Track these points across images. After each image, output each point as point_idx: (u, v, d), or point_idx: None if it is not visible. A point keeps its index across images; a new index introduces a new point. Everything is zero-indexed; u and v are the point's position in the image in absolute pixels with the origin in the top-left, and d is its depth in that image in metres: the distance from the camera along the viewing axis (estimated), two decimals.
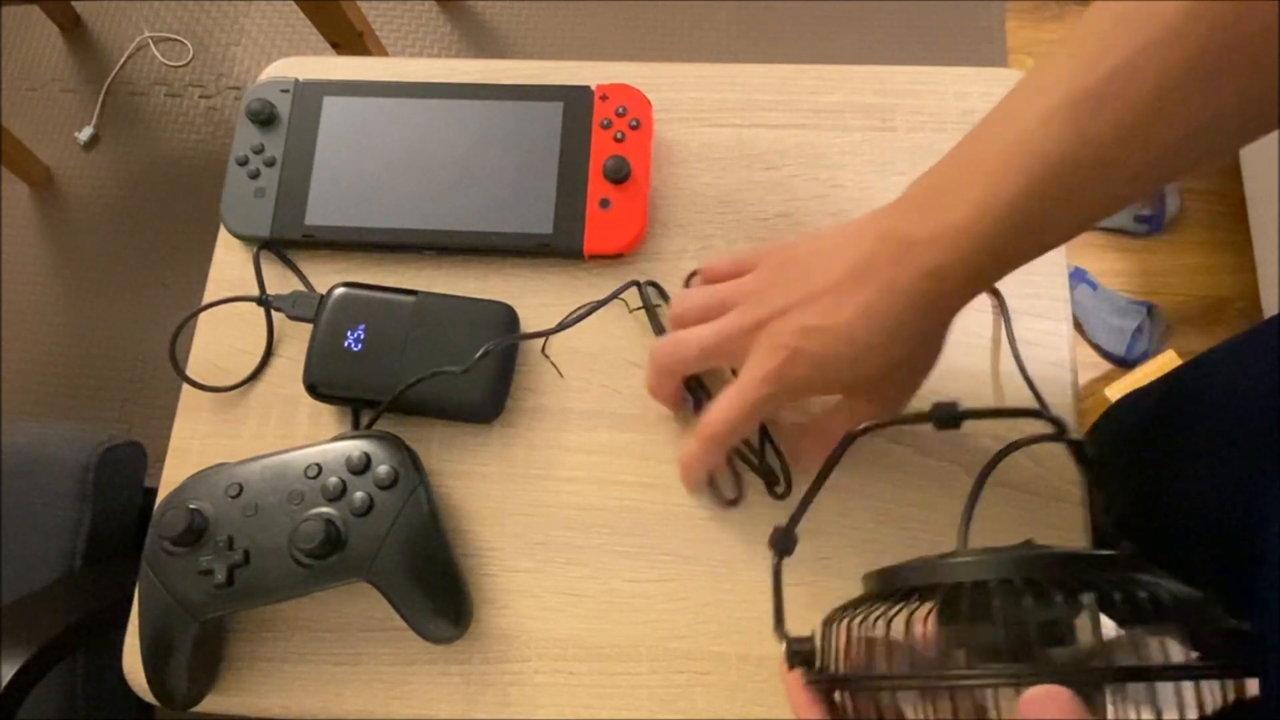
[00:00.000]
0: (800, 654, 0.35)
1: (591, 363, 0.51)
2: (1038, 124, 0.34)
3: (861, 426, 0.38)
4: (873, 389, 0.42)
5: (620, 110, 0.53)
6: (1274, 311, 1.19)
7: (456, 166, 0.54)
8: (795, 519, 0.40)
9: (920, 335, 0.39)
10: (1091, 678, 0.28)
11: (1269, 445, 0.44)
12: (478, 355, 0.47)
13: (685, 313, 0.45)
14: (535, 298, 0.52)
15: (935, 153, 0.53)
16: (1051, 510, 0.47)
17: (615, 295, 0.51)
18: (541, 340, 0.51)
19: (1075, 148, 0.33)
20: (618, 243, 0.52)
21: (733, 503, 0.48)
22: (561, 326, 0.50)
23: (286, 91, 0.56)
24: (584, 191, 0.52)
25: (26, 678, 0.59)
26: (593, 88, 0.54)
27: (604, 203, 0.52)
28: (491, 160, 0.53)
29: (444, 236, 0.53)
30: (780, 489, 0.47)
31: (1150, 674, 0.28)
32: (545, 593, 0.47)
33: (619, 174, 0.51)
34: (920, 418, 0.36)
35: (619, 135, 0.53)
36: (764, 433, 0.48)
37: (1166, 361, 1.22)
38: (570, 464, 0.49)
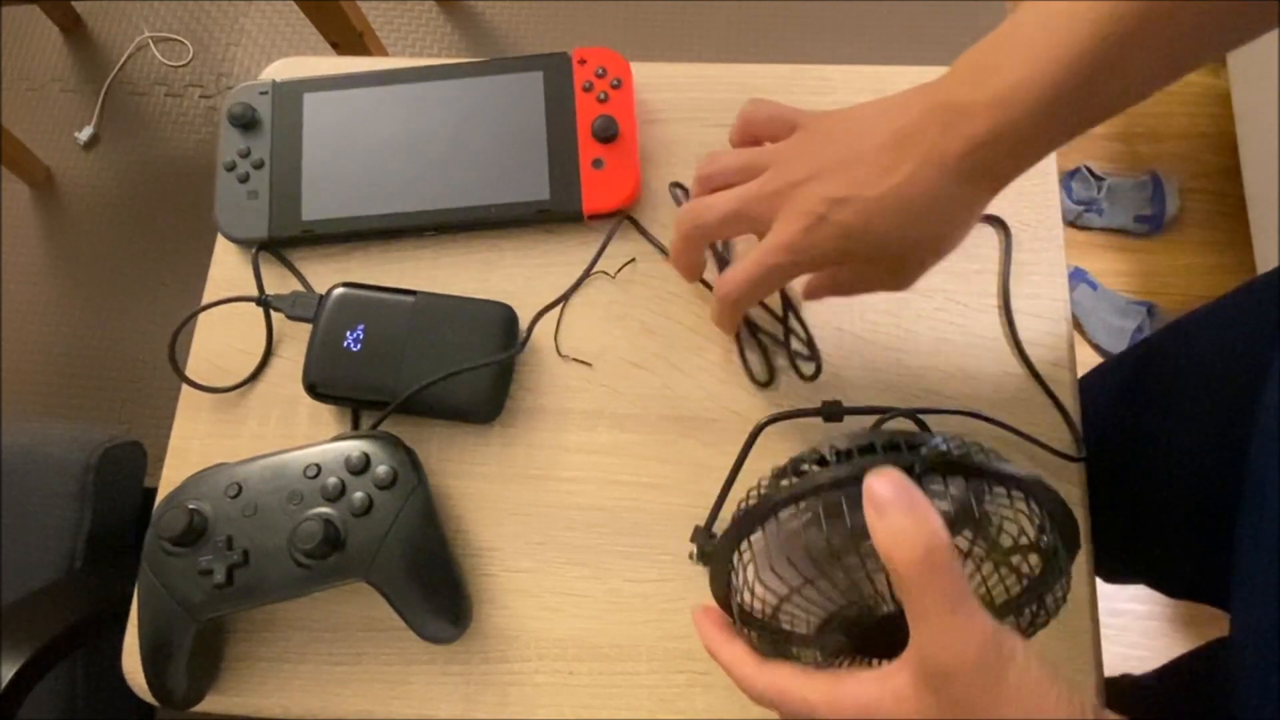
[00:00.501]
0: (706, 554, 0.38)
1: (592, 362, 0.51)
2: None
3: (768, 417, 0.38)
4: (894, 261, 0.41)
5: (600, 71, 0.54)
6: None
7: (447, 145, 0.54)
8: (713, 517, 0.41)
9: (955, 212, 0.38)
10: (909, 459, 0.32)
11: (1241, 405, 0.44)
12: (501, 357, 0.47)
13: (713, 175, 0.43)
14: (544, 267, 0.53)
15: None
16: (1051, 472, 0.46)
17: (609, 238, 0.52)
18: (553, 341, 0.51)
19: (1125, 8, 0.33)
20: (615, 199, 0.52)
21: (765, 385, 0.49)
22: (564, 297, 0.51)
23: (265, 93, 0.56)
24: (575, 154, 0.53)
25: (26, 678, 0.59)
26: (569, 53, 0.55)
27: (597, 162, 0.53)
28: (481, 135, 0.54)
29: (443, 215, 0.53)
30: (809, 372, 0.49)
31: (967, 468, 0.32)
32: (545, 593, 0.47)
33: (607, 133, 0.52)
34: (814, 411, 0.38)
35: (602, 96, 0.54)
36: (790, 306, 0.49)
37: None
38: (570, 464, 0.49)
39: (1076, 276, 1.29)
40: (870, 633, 0.34)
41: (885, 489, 0.29)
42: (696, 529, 0.40)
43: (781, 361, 0.50)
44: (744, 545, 0.36)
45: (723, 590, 0.37)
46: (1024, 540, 0.33)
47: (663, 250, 0.53)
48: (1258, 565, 0.40)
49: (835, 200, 0.38)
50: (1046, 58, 0.34)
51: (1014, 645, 0.28)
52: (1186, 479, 0.51)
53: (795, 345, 0.50)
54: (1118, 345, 1.26)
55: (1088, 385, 0.50)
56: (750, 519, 0.35)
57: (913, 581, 0.29)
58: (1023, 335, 0.50)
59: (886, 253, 0.40)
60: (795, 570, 0.33)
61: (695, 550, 0.39)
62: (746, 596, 0.36)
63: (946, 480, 0.33)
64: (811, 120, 0.43)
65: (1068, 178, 1.33)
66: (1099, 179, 1.32)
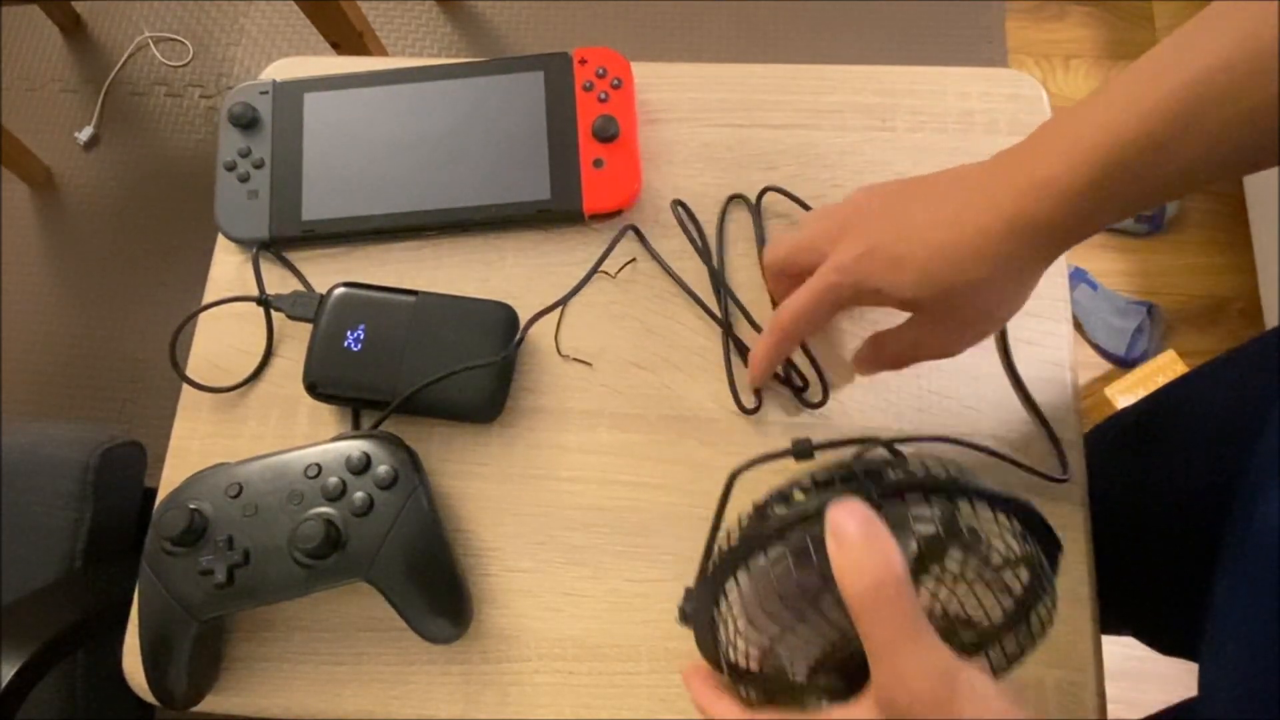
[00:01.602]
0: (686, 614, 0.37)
1: (592, 362, 0.51)
2: (1129, 99, 0.34)
3: (744, 463, 0.37)
4: (939, 311, 0.41)
5: (600, 71, 0.54)
6: (1274, 310, 1.19)
7: (448, 145, 0.54)
8: (701, 574, 0.39)
9: (1000, 260, 0.38)
10: (871, 488, 0.32)
11: (1237, 461, 0.44)
12: (495, 358, 0.47)
13: (780, 261, 0.46)
14: (545, 267, 0.53)
15: (935, 153, 0.54)
16: (1051, 511, 0.46)
17: (610, 247, 0.52)
18: (553, 340, 0.51)
19: (1157, 124, 0.34)
20: (616, 199, 0.52)
21: (752, 411, 0.49)
22: (563, 301, 0.51)
23: (265, 93, 0.56)
24: (576, 153, 0.53)
25: (27, 678, 0.59)
26: (570, 53, 0.55)
27: (597, 162, 0.53)
28: (481, 134, 0.54)
29: (444, 214, 0.53)
30: (817, 398, 0.49)
31: (943, 488, 0.32)
32: (545, 593, 0.47)
33: (607, 133, 0.53)
34: (784, 453, 0.38)
35: (602, 96, 0.54)
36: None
37: (1167, 361, 1.22)
38: (570, 464, 0.49)
39: (1076, 276, 1.29)
40: (862, 672, 0.34)
41: (846, 521, 0.30)
42: (686, 590, 0.39)
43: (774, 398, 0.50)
44: (723, 600, 0.35)
45: (711, 648, 0.37)
46: (1011, 554, 0.33)
47: (666, 267, 0.52)
48: (1228, 626, 0.40)
49: (890, 231, 0.40)
50: (1108, 130, 0.35)
51: (969, 678, 0.28)
52: (1179, 534, 0.52)
53: (796, 380, 0.49)
54: (1118, 345, 1.26)
55: (1091, 438, 0.50)
56: (722, 571, 0.34)
57: (863, 613, 0.29)
58: (1023, 336, 0.50)
59: (934, 293, 0.39)
60: (774, 618, 0.33)
61: (679, 613, 0.38)
62: (735, 651, 0.35)
63: (930, 501, 0.33)
64: (887, 182, 0.43)
65: None
66: None
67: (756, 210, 0.53)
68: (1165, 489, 0.54)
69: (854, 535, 0.29)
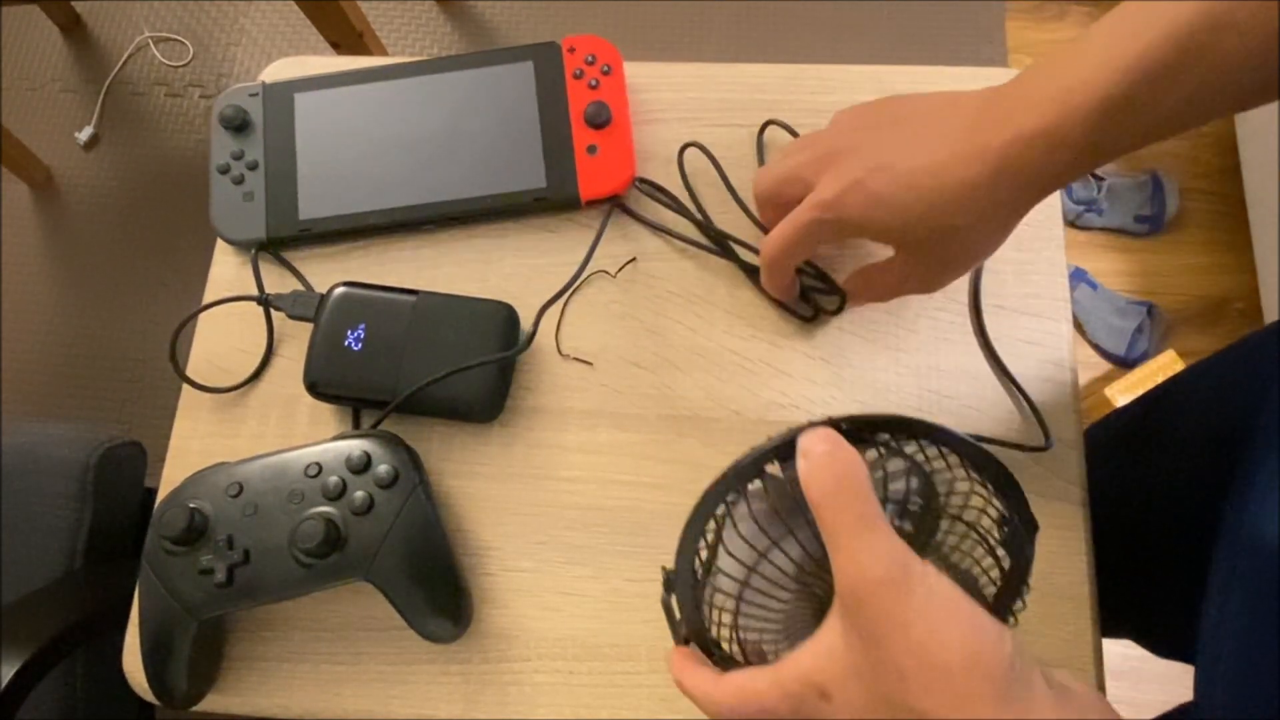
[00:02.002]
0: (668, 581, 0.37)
1: (592, 362, 0.51)
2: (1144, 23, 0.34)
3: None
4: (921, 251, 0.41)
5: (590, 59, 0.55)
6: (1274, 310, 1.19)
7: (441, 138, 0.54)
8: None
9: (987, 208, 0.38)
10: (847, 424, 0.33)
11: (1227, 456, 0.44)
12: (507, 354, 0.47)
13: (770, 190, 0.46)
14: (544, 265, 0.53)
15: None
16: (1052, 511, 0.47)
17: (603, 228, 0.53)
18: (553, 340, 0.51)
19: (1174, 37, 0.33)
20: (611, 184, 0.53)
21: (811, 319, 0.51)
22: (570, 284, 0.52)
23: (255, 95, 0.56)
24: (570, 141, 0.53)
25: (27, 678, 0.59)
26: (559, 42, 0.55)
27: (591, 149, 0.53)
28: (474, 126, 0.54)
29: (441, 208, 0.53)
30: (833, 306, 0.50)
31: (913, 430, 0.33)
32: (545, 592, 0.47)
33: (600, 119, 0.53)
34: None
35: (593, 83, 0.54)
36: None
37: (1167, 361, 1.22)
38: (570, 464, 0.49)
39: (1076, 276, 1.29)
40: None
41: (813, 440, 0.31)
42: (665, 571, 0.39)
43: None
44: (703, 551, 0.35)
45: (695, 618, 0.36)
46: (979, 505, 0.34)
47: (662, 230, 0.53)
48: (1222, 629, 0.40)
49: (873, 167, 0.40)
50: (1107, 66, 0.34)
51: (925, 569, 0.29)
52: (1174, 534, 0.52)
53: (810, 283, 0.51)
54: (1118, 345, 1.26)
55: (1089, 436, 0.50)
56: (700, 515, 0.35)
57: (825, 509, 0.30)
58: (1023, 336, 0.50)
59: (913, 234, 0.40)
60: (752, 543, 0.34)
61: (663, 589, 0.38)
62: (716, 609, 0.35)
63: (900, 445, 0.34)
64: (870, 104, 0.44)
65: None
66: (1099, 179, 1.32)
67: (759, 147, 0.55)
68: (1159, 489, 0.54)
69: (820, 447, 0.30)
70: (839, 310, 0.50)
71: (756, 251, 0.51)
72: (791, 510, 0.33)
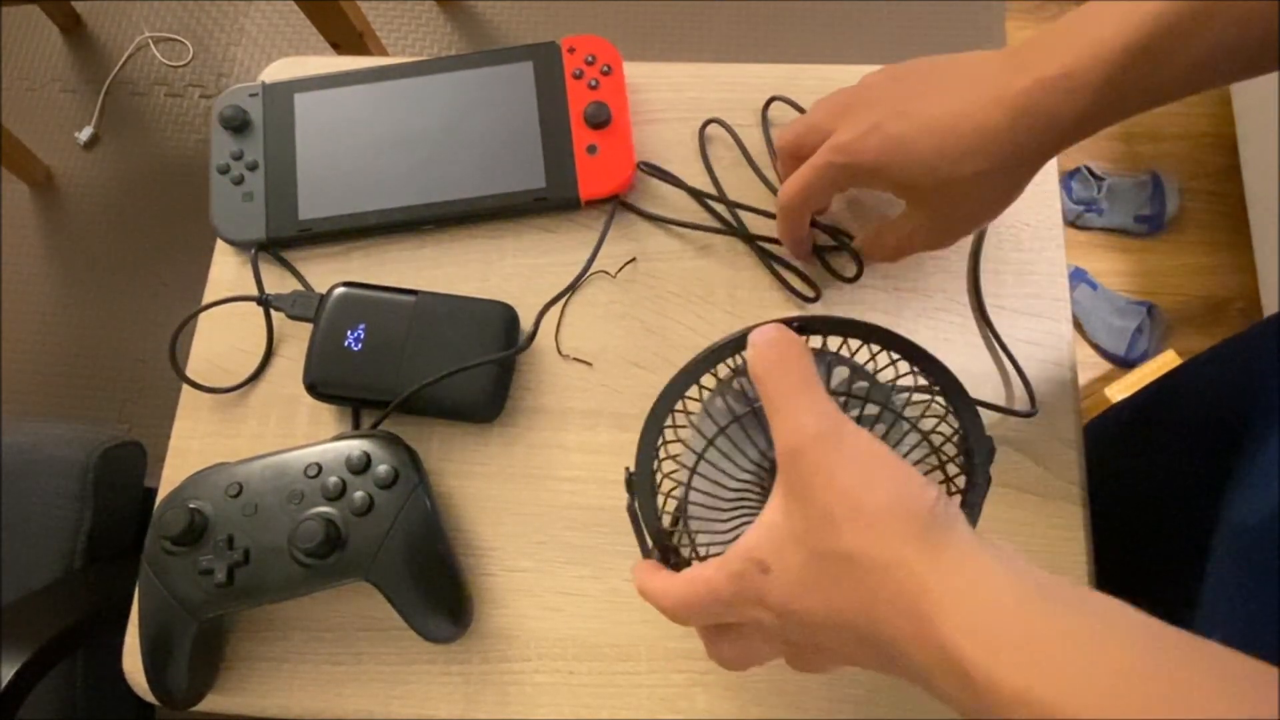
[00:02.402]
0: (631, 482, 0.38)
1: (592, 362, 0.51)
2: None
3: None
4: (932, 202, 0.42)
5: (589, 59, 0.55)
6: (1274, 310, 1.18)
7: (441, 139, 0.54)
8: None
9: (1002, 160, 0.39)
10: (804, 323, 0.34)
11: (1222, 452, 0.44)
12: (506, 354, 0.47)
13: (793, 141, 0.47)
14: (544, 265, 0.53)
15: None
16: (1053, 510, 0.47)
17: (607, 227, 0.53)
18: (553, 340, 0.51)
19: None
20: (611, 184, 0.53)
21: (813, 299, 0.51)
22: (565, 293, 0.51)
23: (255, 95, 0.56)
24: (569, 141, 0.53)
25: (26, 678, 0.59)
26: (558, 42, 0.55)
27: (591, 149, 0.53)
28: (474, 127, 0.54)
29: (440, 208, 0.53)
30: (851, 273, 0.51)
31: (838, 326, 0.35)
32: (545, 592, 0.47)
33: (599, 119, 0.53)
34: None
35: (593, 83, 0.54)
36: (816, 224, 0.51)
37: (1166, 361, 1.22)
38: (570, 464, 0.49)
39: (1076, 276, 1.29)
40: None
41: (761, 330, 0.33)
42: (628, 471, 0.39)
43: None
44: (661, 452, 0.37)
45: (654, 521, 0.37)
46: (929, 413, 0.35)
47: (663, 220, 0.53)
48: (1215, 620, 0.41)
49: (892, 114, 0.40)
50: (1130, 16, 0.35)
51: (856, 427, 0.30)
52: (1171, 530, 0.52)
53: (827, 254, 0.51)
54: (1118, 345, 1.26)
55: (1088, 432, 0.50)
56: (657, 415, 0.36)
57: (765, 376, 0.31)
58: (1023, 336, 0.50)
59: (927, 181, 0.40)
60: (705, 440, 0.35)
61: (627, 493, 0.38)
62: (674, 514, 0.37)
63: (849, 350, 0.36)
64: (897, 64, 0.44)
65: (1068, 178, 1.33)
66: (1099, 179, 1.32)
67: (764, 123, 0.55)
68: (1158, 483, 0.54)
69: (766, 335, 0.32)
70: (857, 277, 0.50)
71: (771, 216, 0.51)
72: (744, 407, 0.35)
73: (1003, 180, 0.40)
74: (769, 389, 0.31)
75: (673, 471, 0.38)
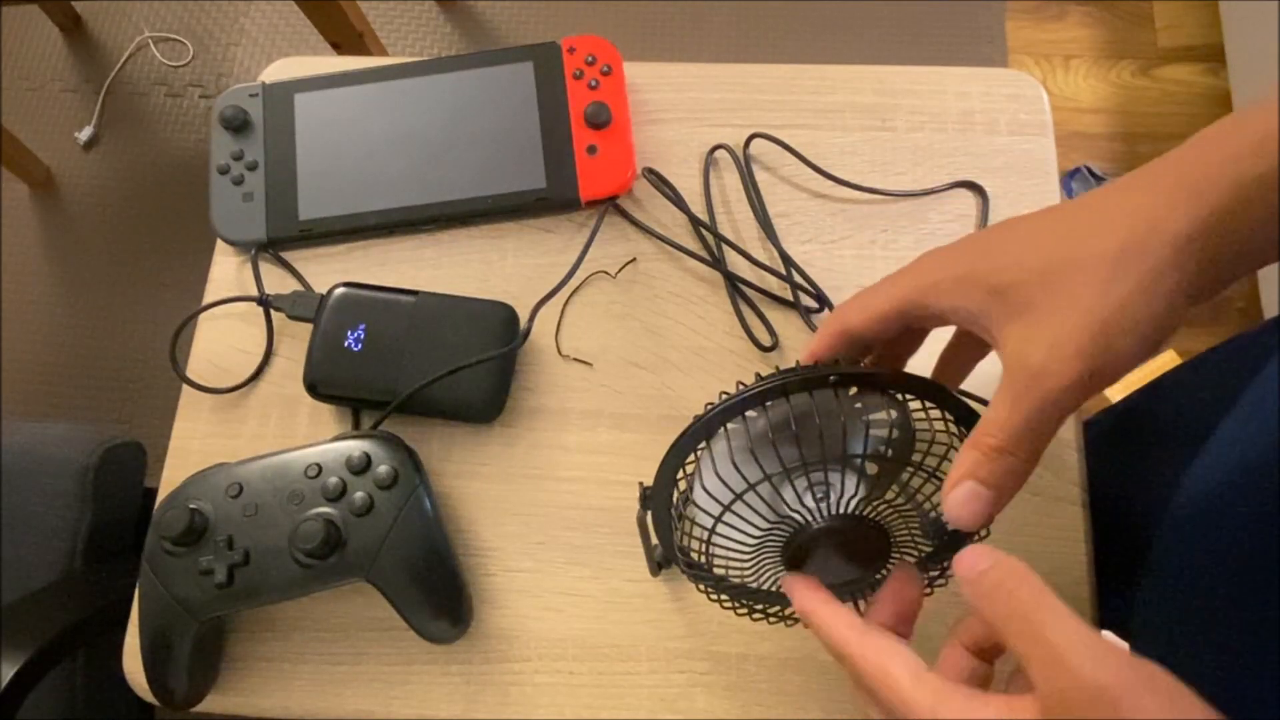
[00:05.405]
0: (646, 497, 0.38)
1: (592, 362, 0.51)
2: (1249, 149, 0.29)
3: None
4: (1031, 305, 0.32)
5: (590, 59, 0.55)
6: (1274, 311, 1.19)
7: (441, 139, 0.54)
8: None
9: (1177, 313, 0.30)
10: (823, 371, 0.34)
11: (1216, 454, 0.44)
12: (502, 350, 0.47)
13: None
14: (544, 266, 0.53)
15: (935, 152, 0.54)
16: (1053, 511, 0.47)
17: (597, 226, 0.53)
18: (553, 340, 0.51)
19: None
20: (611, 185, 0.53)
21: (769, 349, 0.51)
22: (563, 282, 0.51)
23: (255, 95, 0.56)
24: (569, 141, 0.53)
25: (26, 678, 0.59)
26: (558, 42, 0.55)
27: (591, 149, 0.53)
28: (474, 127, 0.54)
29: (440, 208, 0.53)
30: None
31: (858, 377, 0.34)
32: (545, 593, 0.47)
33: (599, 119, 0.53)
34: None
35: (593, 83, 0.54)
36: (791, 263, 0.51)
37: (1166, 361, 1.22)
38: (570, 464, 0.49)
39: None
40: (806, 554, 0.35)
41: (966, 561, 0.30)
42: (642, 487, 0.39)
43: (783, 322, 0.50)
44: (681, 483, 0.36)
45: (669, 542, 0.37)
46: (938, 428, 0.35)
47: (656, 235, 0.53)
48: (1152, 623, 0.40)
49: (979, 257, 0.33)
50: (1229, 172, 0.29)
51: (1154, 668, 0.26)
52: (1164, 533, 0.52)
53: (804, 301, 0.51)
54: None
55: (1087, 429, 0.50)
56: (688, 440, 0.35)
57: (1004, 627, 0.28)
58: None
59: (1014, 274, 0.32)
60: (726, 487, 0.34)
61: (639, 506, 0.38)
62: (692, 538, 0.36)
63: (885, 397, 0.35)
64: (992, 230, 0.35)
65: (1068, 178, 1.33)
66: (1099, 179, 1.32)
67: (746, 159, 0.54)
68: (1156, 481, 0.53)
69: (979, 565, 0.29)
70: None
71: (752, 259, 0.51)
72: (766, 450, 0.34)
73: (1173, 325, 0.32)
74: (1012, 633, 0.27)
75: (687, 499, 0.37)
